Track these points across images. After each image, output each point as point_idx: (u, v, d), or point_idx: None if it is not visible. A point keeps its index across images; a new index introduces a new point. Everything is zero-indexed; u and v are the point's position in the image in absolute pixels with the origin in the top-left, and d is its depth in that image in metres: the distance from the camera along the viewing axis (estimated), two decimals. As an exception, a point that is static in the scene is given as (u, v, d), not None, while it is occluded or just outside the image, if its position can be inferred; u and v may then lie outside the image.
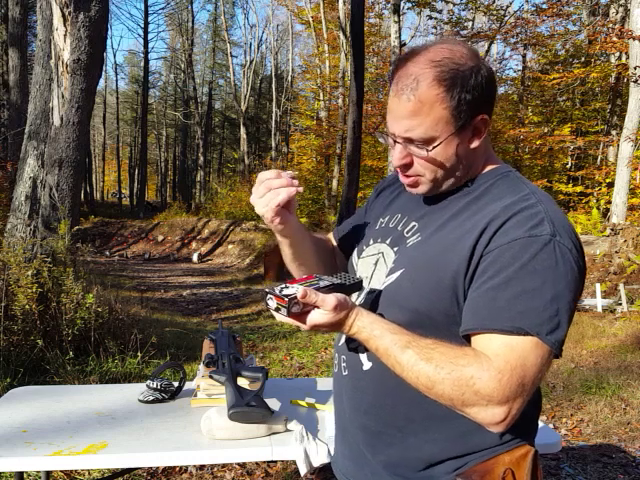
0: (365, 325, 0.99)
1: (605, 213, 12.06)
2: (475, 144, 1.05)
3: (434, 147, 1.01)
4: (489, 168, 1.10)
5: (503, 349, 0.92)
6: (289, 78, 31.53)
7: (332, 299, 0.96)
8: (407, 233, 1.13)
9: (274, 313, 1.00)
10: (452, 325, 1.00)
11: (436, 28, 19.46)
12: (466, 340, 0.99)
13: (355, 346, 1.12)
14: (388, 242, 1.16)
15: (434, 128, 1.00)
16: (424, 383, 0.95)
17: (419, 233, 1.10)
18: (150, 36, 34.72)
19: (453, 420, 1.01)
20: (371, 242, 1.21)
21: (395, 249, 1.13)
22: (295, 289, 0.98)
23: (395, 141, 1.05)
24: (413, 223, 1.13)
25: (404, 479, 1.07)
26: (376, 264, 1.16)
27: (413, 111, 1.00)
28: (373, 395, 1.10)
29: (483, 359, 0.92)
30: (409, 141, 1.03)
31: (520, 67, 19.68)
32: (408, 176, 1.09)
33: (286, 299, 0.95)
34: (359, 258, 1.23)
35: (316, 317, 0.98)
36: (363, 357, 1.12)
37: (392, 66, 1.08)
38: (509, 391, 0.90)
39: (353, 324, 0.99)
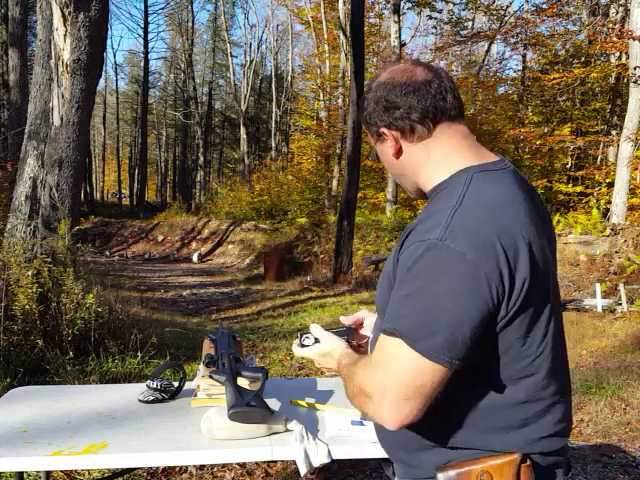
0: (339, 359, 1.23)
1: (605, 213, 12.06)
2: (392, 153, 1.12)
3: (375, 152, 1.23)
4: (445, 177, 1.08)
5: (377, 347, 1.02)
6: (289, 78, 31.53)
7: (325, 338, 1.31)
8: None
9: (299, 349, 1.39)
10: None
11: (436, 28, 19.49)
12: None
13: None
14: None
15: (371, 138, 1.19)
16: (350, 393, 1.10)
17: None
18: (150, 36, 34.75)
19: (441, 423, 1.04)
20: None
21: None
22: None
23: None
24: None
25: (398, 459, 1.17)
26: None
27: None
28: None
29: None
30: None
31: (520, 67, 19.69)
32: None
33: (299, 334, 1.41)
34: None
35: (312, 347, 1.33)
36: None
37: None
38: (376, 384, 0.98)
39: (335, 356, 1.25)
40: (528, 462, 1.00)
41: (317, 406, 1.86)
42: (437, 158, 1.09)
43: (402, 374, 0.95)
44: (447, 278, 0.92)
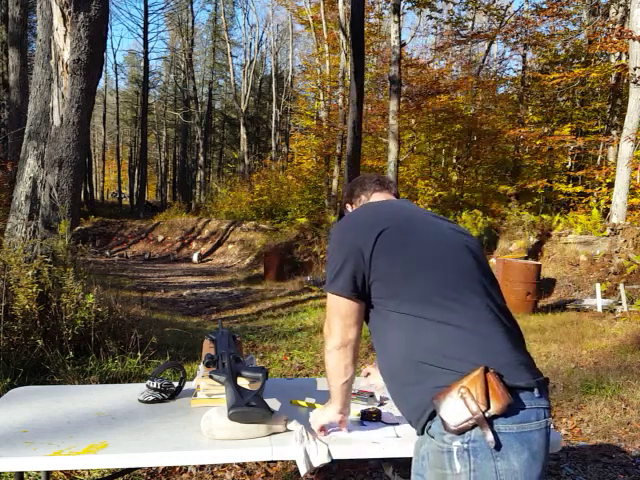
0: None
1: (605, 213, 12.05)
2: (349, 207, 1.86)
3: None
4: None
5: (329, 301, 1.54)
6: (289, 78, 31.52)
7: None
8: None
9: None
10: None
11: (436, 28, 19.49)
12: None
13: None
14: None
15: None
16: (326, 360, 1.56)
17: None
18: (150, 36, 34.79)
19: (419, 384, 1.36)
20: None
21: None
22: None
23: None
24: None
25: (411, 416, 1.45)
26: None
27: None
28: (384, 379, 1.56)
29: None
30: None
31: (520, 67, 19.66)
32: None
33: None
34: None
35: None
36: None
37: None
38: (328, 328, 1.53)
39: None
40: (491, 370, 1.27)
41: (317, 406, 1.86)
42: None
43: (336, 313, 1.56)
44: (332, 243, 1.63)
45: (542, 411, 1.32)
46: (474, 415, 1.23)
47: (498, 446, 1.24)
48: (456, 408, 1.25)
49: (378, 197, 1.77)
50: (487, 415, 1.23)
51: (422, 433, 1.38)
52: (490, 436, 1.23)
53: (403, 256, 1.44)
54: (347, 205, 1.85)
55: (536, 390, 1.33)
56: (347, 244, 1.49)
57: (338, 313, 1.49)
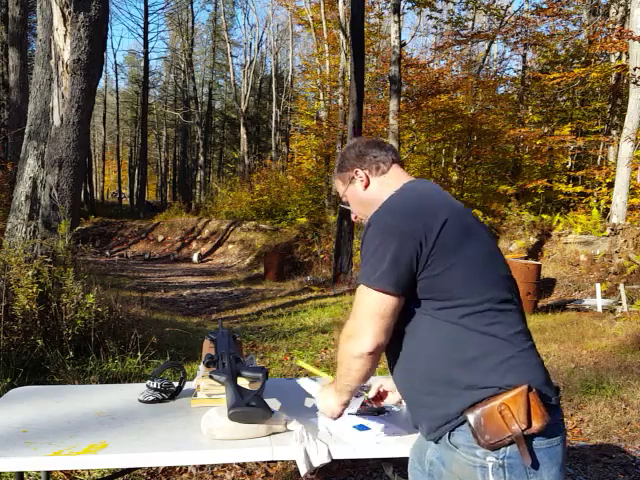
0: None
1: (605, 213, 12.04)
2: (362, 187, 1.58)
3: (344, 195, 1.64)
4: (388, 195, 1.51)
5: (356, 298, 1.37)
6: (289, 78, 31.50)
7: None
8: None
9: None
10: None
11: (436, 28, 19.49)
12: None
13: None
14: None
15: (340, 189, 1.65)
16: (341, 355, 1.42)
17: None
18: (150, 36, 34.79)
19: (454, 381, 1.30)
20: None
21: None
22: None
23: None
24: None
25: (430, 430, 1.36)
26: None
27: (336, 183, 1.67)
28: (399, 381, 1.48)
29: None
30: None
31: (520, 67, 19.66)
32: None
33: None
34: None
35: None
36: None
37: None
38: (356, 326, 1.34)
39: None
40: (534, 390, 1.25)
41: (320, 373, 2.06)
42: (380, 189, 1.56)
43: (372, 310, 1.39)
44: (372, 237, 1.43)
45: (561, 423, 1.32)
46: (514, 433, 1.22)
47: (535, 464, 1.24)
48: (494, 424, 1.23)
49: (398, 171, 1.57)
50: (526, 434, 1.22)
51: (437, 441, 1.33)
52: (528, 455, 1.22)
53: (463, 253, 1.31)
54: (356, 170, 1.56)
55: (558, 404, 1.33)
56: (399, 232, 1.29)
57: (377, 313, 1.30)
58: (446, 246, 1.29)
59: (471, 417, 1.25)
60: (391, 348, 1.40)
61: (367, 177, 1.56)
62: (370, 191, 1.56)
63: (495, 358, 1.28)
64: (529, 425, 1.22)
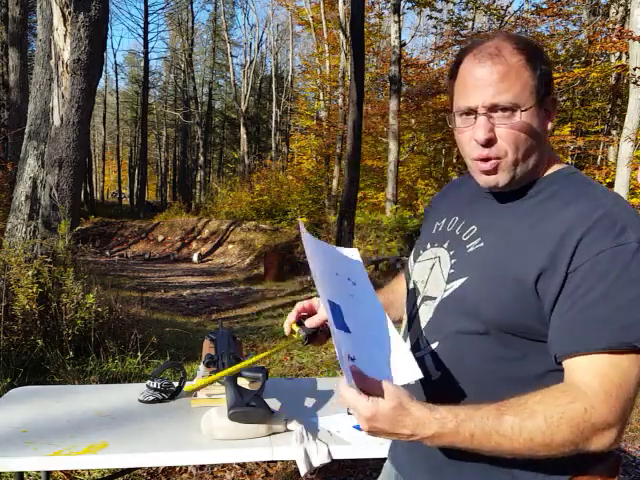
0: (444, 415, 0.88)
1: (605, 213, 12.03)
2: (549, 127, 1.03)
3: (523, 111, 0.97)
4: (553, 168, 1.06)
5: (607, 369, 0.88)
6: (289, 78, 31.52)
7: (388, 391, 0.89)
8: (465, 237, 1.09)
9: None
10: (538, 336, 0.96)
11: (436, 28, 19.46)
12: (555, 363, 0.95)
13: None
14: (445, 246, 1.13)
15: (521, 95, 0.97)
16: (541, 441, 0.87)
17: (480, 238, 1.06)
18: (150, 36, 34.81)
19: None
20: (428, 246, 1.19)
21: (452, 253, 1.10)
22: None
23: (477, 114, 1.00)
24: (472, 227, 1.09)
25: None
26: (432, 268, 1.13)
27: (501, 76, 0.97)
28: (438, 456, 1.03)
29: (585, 388, 0.88)
30: (494, 110, 0.98)
31: (520, 67, 19.65)
32: (488, 159, 1.01)
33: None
34: (415, 262, 1.21)
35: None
36: (431, 367, 1.06)
37: (457, 57, 1.07)
38: (621, 411, 0.88)
39: (427, 420, 0.88)
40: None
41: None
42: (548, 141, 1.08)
43: (636, 389, 0.90)
44: None
45: None
46: None
47: None
48: None
49: None
50: None
51: None
52: None
53: None
54: (553, 97, 1.03)
55: None
56: None
57: (636, 391, 0.91)
58: None
59: None
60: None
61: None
62: (543, 143, 1.03)
63: None
64: None
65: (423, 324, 1.10)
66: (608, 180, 13.33)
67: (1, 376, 3.67)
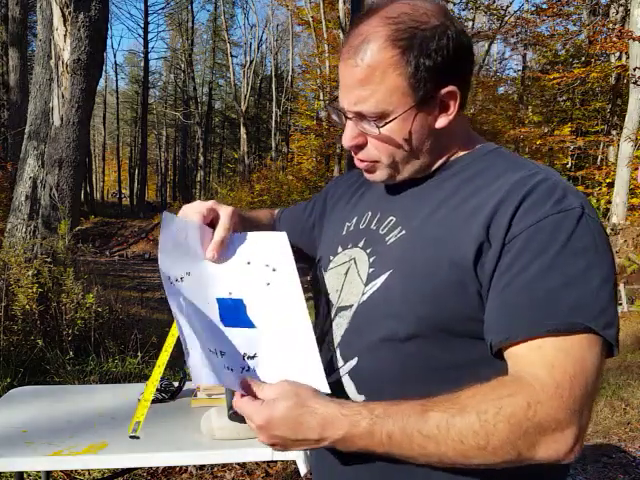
0: (357, 410, 0.73)
1: (605, 213, 12.05)
2: (441, 123, 0.86)
3: (387, 123, 0.84)
4: (473, 149, 0.93)
5: (557, 355, 0.72)
6: (289, 78, 31.51)
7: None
8: (383, 230, 0.93)
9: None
10: (473, 329, 0.79)
11: (436, 28, 19.45)
12: (496, 355, 0.78)
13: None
14: (361, 245, 0.95)
15: (388, 100, 0.82)
16: (474, 444, 0.70)
17: (400, 227, 0.90)
18: (150, 36, 34.74)
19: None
20: (339, 250, 1.00)
21: (369, 250, 0.93)
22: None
23: (346, 117, 0.88)
24: (390, 218, 0.93)
25: None
26: (347, 274, 0.95)
27: (362, 79, 0.83)
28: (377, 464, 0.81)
29: (529, 379, 0.72)
30: (360, 116, 0.86)
31: (520, 67, 19.72)
32: (363, 160, 0.91)
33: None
34: (326, 271, 1.02)
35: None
36: (351, 391, 0.87)
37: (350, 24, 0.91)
38: (576, 407, 0.71)
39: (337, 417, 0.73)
40: None
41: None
42: (465, 129, 0.94)
43: (597, 374, 0.74)
44: (604, 253, 0.77)
45: None
46: None
47: None
48: None
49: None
50: None
51: None
52: None
53: None
54: (450, 90, 0.84)
55: None
56: (612, 266, 0.79)
57: (597, 387, 0.75)
58: None
59: None
60: None
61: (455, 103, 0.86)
62: (439, 139, 0.89)
63: None
64: None
65: (337, 340, 0.91)
66: (608, 180, 13.34)
67: (1, 376, 3.67)
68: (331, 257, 1.02)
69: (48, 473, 2.05)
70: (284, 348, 0.87)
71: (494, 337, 0.76)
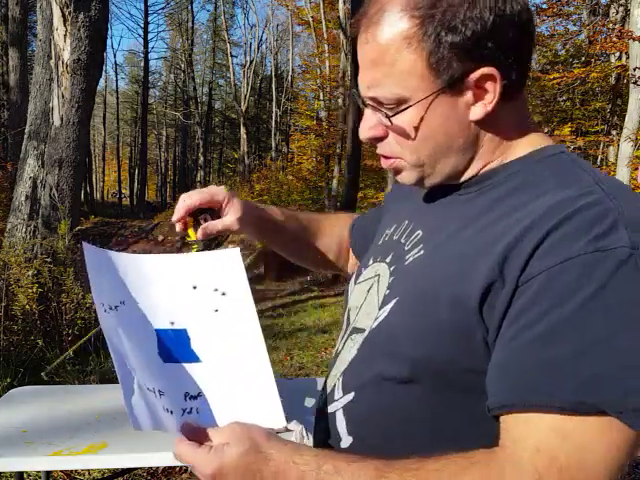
0: (306, 461, 0.65)
1: (605, 213, 12.05)
2: (476, 114, 0.69)
3: (398, 112, 0.69)
4: (526, 149, 0.74)
5: (548, 437, 0.57)
6: (289, 78, 31.51)
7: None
8: (408, 245, 0.80)
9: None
10: (474, 382, 0.65)
11: (436, 28, 19.46)
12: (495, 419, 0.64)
13: None
14: (388, 260, 0.83)
15: (403, 84, 0.68)
16: None
17: (422, 245, 0.76)
18: (150, 36, 34.74)
19: None
20: (370, 262, 0.89)
21: (392, 268, 0.80)
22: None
23: (364, 103, 0.75)
24: (418, 232, 0.80)
25: None
26: (369, 291, 0.84)
27: (374, 58, 0.69)
28: None
29: (503, 461, 0.58)
30: (378, 103, 0.72)
31: (520, 67, 19.67)
32: (385, 157, 0.78)
33: None
34: (355, 284, 0.92)
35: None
36: (341, 428, 0.79)
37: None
38: None
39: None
40: None
41: None
42: (517, 120, 0.75)
43: (609, 469, 0.56)
44: None
45: None
46: None
47: None
48: None
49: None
50: None
51: None
52: None
53: None
54: (484, 72, 0.67)
55: None
56: None
57: (620, 466, 0.58)
58: None
59: None
60: None
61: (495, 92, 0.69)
62: (477, 134, 0.72)
63: None
64: None
65: (343, 366, 0.82)
66: (608, 180, 13.34)
67: (1, 376, 3.67)
68: (363, 269, 0.91)
69: (48, 473, 2.04)
70: (233, 382, 0.79)
71: (489, 399, 0.63)
